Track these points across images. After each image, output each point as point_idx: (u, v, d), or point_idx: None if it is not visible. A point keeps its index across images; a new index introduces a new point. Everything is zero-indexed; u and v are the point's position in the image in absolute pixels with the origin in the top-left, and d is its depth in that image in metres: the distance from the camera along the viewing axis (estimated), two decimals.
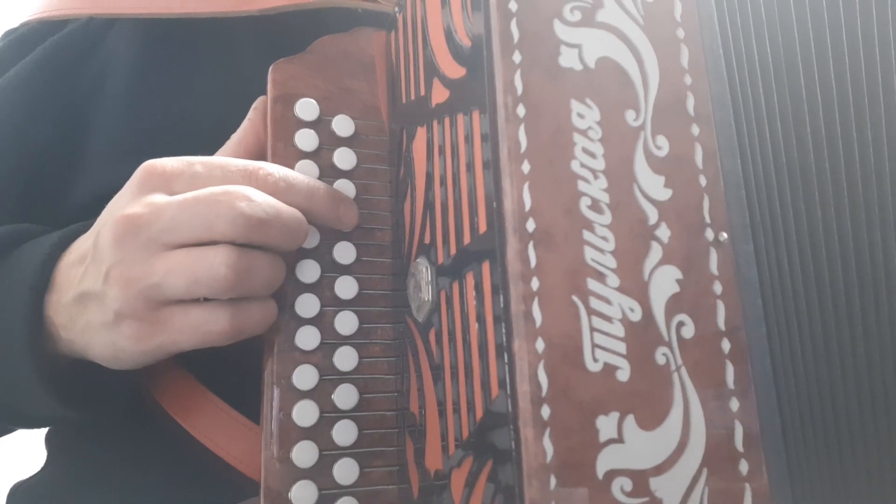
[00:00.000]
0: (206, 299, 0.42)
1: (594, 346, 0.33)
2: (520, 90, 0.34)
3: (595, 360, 0.32)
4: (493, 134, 0.35)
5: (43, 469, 0.57)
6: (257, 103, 0.50)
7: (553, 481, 0.31)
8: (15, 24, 0.60)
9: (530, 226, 0.33)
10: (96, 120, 0.55)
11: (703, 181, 0.36)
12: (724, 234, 0.36)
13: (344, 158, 0.51)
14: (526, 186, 0.33)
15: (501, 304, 0.33)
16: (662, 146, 0.36)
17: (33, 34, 0.58)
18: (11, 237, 0.48)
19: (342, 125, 0.51)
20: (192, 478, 0.48)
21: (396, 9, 0.51)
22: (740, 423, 0.34)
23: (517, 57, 0.35)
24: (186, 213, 0.40)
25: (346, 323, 0.48)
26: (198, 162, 0.43)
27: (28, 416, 0.49)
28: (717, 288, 0.35)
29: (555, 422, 0.31)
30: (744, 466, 0.34)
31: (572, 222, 0.34)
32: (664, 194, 0.35)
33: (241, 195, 0.40)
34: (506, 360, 0.33)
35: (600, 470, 0.31)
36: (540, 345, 0.32)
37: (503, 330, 0.33)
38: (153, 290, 0.40)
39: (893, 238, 0.42)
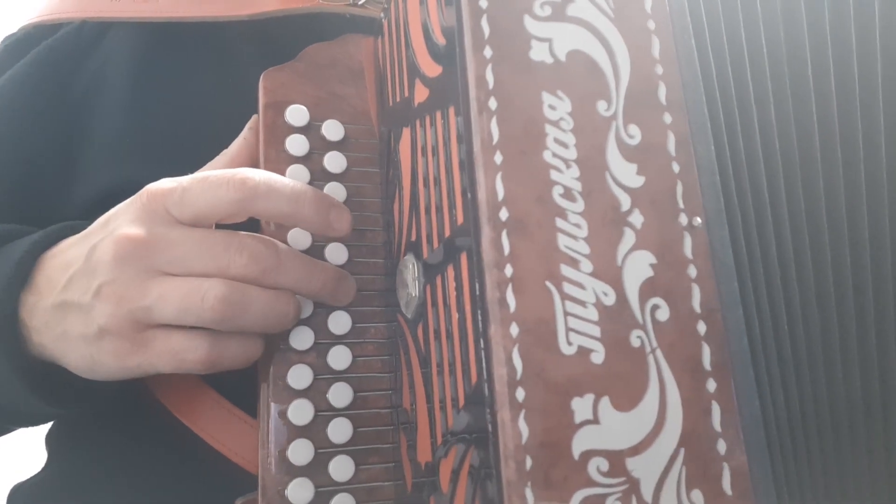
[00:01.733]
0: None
1: (568, 329, 0.33)
2: (491, 84, 0.35)
3: (569, 343, 0.33)
4: (466, 127, 0.35)
5: (43, 469, 0.57)
6: (251, 122, 0.51)
7: (529, 462, 0.31)
8: (14, 29, 0.62)
9: (503, 215, 0.34)
10: (94, 122, 0.55)
11: (675, 168, 0.37)
12: (698, 219, 0.37)
13: (334, 162, 0.52)
14: (499, 177, 0.34)
15: (477, 292, 0.34)
16: (634, 135, 0.37)
17: (29, 38, 0.59)
18: None
19: (332, 130, 0.53)
20: (193, 475, 0.49)
21: (382, 14, 0.53)
22: (717, 403, 0.35)
23: (488, 52, 0.36)
24: (201, 253, 0.41)
25: (339, 322, 0.49)
26: (185, 179, 0.43)
27: (18, 414, 0.50)
28: (692, 271, 0.36)
29: (530, 404, 0.32)
30: (721, 446, 0.34)
31: (545, 210, 0.34)
32: (637, 181, 0.36)
33: (251, 242, 0.42)
34: (482, 345, 0.33)
35: (576, 450, 0.32)
36: (514, 329, 0.32)
37: (479, 316, 0.34)
38: (143, 312, 0.41)
39: (875, 221, 0.43)
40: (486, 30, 0.36)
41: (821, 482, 0.41)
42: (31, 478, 0.57)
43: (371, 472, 0.48)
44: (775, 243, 0.42)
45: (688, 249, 0.36)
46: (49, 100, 0.56)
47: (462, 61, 0.36)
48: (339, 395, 0.48)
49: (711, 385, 0.35)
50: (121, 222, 0.42)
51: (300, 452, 0.46)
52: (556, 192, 0.35)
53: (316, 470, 0.47)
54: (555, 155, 0.35)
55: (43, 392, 0.46)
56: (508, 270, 0.33)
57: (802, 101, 0.43)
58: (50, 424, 0.59)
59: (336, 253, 0.50)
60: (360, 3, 0.57)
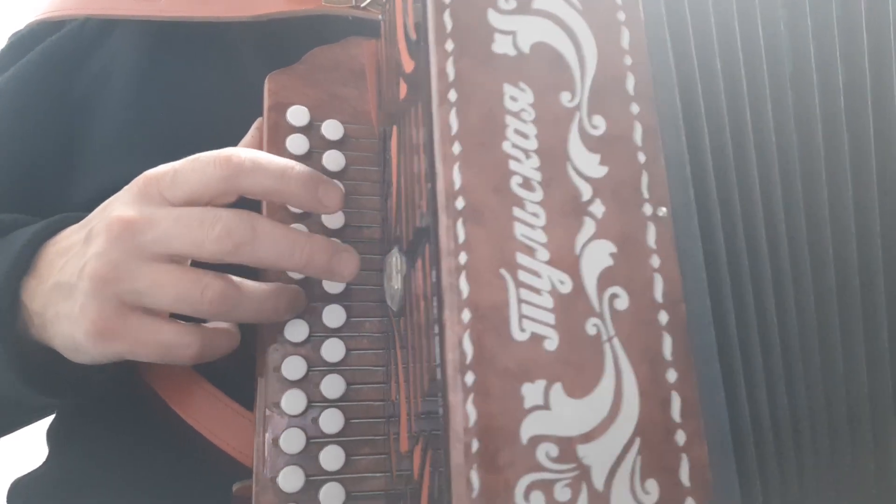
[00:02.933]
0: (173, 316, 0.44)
1: (522, 316, 0.33)
2: (452, 76, 0.36)
3: (522, 329, 0.33)
4: (427, 119, 0.36)
5: (44, 464, 0.58)
6: (258, 123, 0.52)
7: (476, 445, 0.32)
8: (19, 26, 0.64)
9: (459, 203, 0.34)
10: (96, 120, 0.57)
11: (641, 158, 0.37)
12: (664, 209, 0.36)
13: (333, 160, 0.53)
14: (456, 167, 0.35)
15: (433, 279, 0.34)
16: (599, 125, 0.37)
17: (32, 35, 0.61)
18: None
19: (331, 129, 0.54)
20: (192, 467, 0.50)
21: (381, 16, 0.54)
22: (678, 394, 0.34)
23: (450, 45, 0.36)
24: (179, 228, 0.41)
25: (333, 316, 0.50)
26: (178, 162, 0.44)
27: (12, 404, 0.51)
28: (655, 261, 0.36)
29: (479, 388, 0.32)
30: (680, 437, 0.34)
31: (502, 200, 0.35)
32: (599, 171, 0.36)
33: (226, 215, 0.42)
34: (435, 331, 0.34)
35: (524, 435, 0.32)
36: (466, 315, 0.33)
37: (434, 303, 0.34)
38: (131, 296, 0.42)
39: (853, 215, 0.42)
40: (449, 24, 0.37)
41: (794, 480, 0.40)
42: (32, 472, 0.57)
43: (362, 462, 0.49)
44: (766, 237, 0.41)
45: (651, 239, 0.36)
46: (51, 97, 0.57)
47: (426, 55, 0.37)
48: (332, 386, 0.49)
49: (672, 375, 0.34)
50: (116, 206, 0.44)
51: (292, 441, 0.48)
52: (515, 181, 0.35)
53: (307, 459, 0.48)
54: (514, 146, 0.36)
55: (34, 380, 0.47)
56: (462, 258, 0.34)
57: (804, 95, 0.42)
58: (51, 420, 0.61)
59: None
60: (362, 5, 0.58)
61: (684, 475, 0.33)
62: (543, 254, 0.34)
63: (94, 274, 0.42)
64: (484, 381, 0.32)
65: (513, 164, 0.35)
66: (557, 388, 0.33)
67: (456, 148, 0.35)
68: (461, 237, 0.34)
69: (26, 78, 0.58)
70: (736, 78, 0.43)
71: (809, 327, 0.42)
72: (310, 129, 0.54)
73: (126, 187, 0.45)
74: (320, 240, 0.45)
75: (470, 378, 0.32)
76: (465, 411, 0.32)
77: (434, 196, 0.35)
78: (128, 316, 0.42)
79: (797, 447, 0.40)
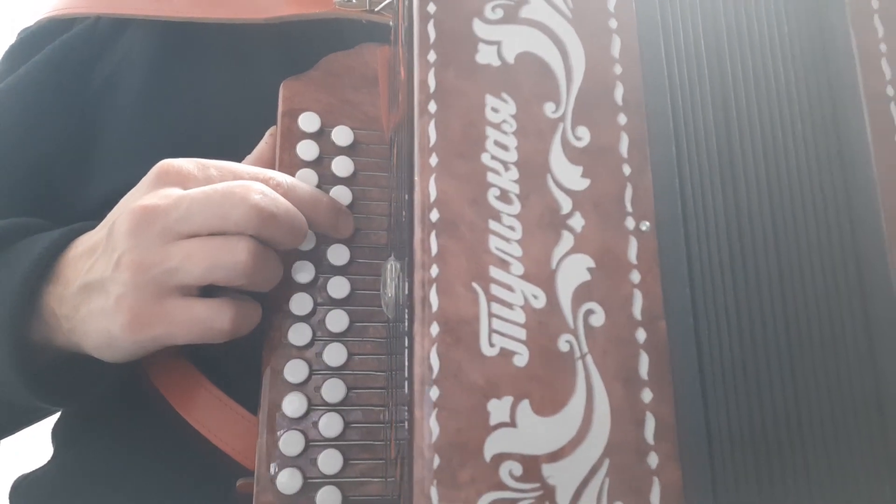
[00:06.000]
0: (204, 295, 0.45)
1: (492, 331, 0.33)
2: (432, 87, 0.36)
3: (492, 344, 0.33)
4: (408, 130, 0.36)
5: (48, 463, 0.57)
6: (272, 129, 0.53)
7: (437, 461, 0.31)
8: (24, 24, 0.64)
9: (434, 216, 0.34)
10: (109, 121, 0.57)
11: (626, 170, 0.36)
12: (647, 223, 0.35)
13: (342, 166, 0.54)
14: (432, 179, 0.35)
15: (406, 291, 0.34)
16: (583, 136, 0.36)
17: (42, 33, 0.60)
18: (13, 231, 0.51)
19: (341, 135, 0.54)
20: (194, 468, 0.50)
21: (391, 22, 0.54)
22: (653, 414, 0.33)
23: (432, 56, 0.36)
24: (202, 204, 0.42)
25: (337, 321, 0.51)
26: (213, 166, 0.45)
27: (13, 404, 0.52)
28: (635, 277, 0.35)
29: (443, 403, 0.32)
30: (653, 459, 0.33)
31: (478, 212, 0.34)
32: (581, 184, 0.35)
33: (256, 189, 0.43)
34: (406, 344, 0.34)
35: (488, 453, 0.32)
36: (434, 329, 0.33)
37: (406, 315, 0.34)
38: (168, 275, 0.42)
39: (836, 233, 0.40)
40: (432, 34, 0.36)
41: (758, 497, 0.38)
42: (36, 470, 0.57)
43: (360, 467, 0.49)
44: (745, 252, 0.39)
45: (632, 254, 0.35)
46: (63, 97, 0.57)
47: (409, 66, 0.37)
48: (333, 390, 0.50)
49: (647, 395, 0.33)
50: (133, 199, 0.44)
51: (291, 444, 0.48)
52: (492, 194, 0.35)
53: (306, 461, 0.48)
54: (493, 157, 0.35)
55: (34, 385, 0.47)
56: (434, 271, 0.34)
57: (790, 102, 0.41)
58: (56, 419, 0.61)
59: (338, 253, 0.51)
60: (376, 9, 0.58)
61: (655, 499, 0.32)
62: (518, 268, 0.34)
63: (130, 263, 0.42)
64: (449, 397, 0.32)
65: (491, 177, 0.35)
66: (525, 405, 0.32)
67: (433, 160, 0.35)
68: (434, 250, 0.34)
69: (37, 77, 0.58)
70: (726, 87, 0.41)
71: (781, 346, 0.39)
72: (321, 135, 0.54)
73: (143, 179, 0.46)
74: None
75: (435, 393, 0.32)
76: (428, 427, 0.32)
77: (410, 208, 0.35)
78: (163, 300, 0.43)
79: (769, 467, 0.38)
